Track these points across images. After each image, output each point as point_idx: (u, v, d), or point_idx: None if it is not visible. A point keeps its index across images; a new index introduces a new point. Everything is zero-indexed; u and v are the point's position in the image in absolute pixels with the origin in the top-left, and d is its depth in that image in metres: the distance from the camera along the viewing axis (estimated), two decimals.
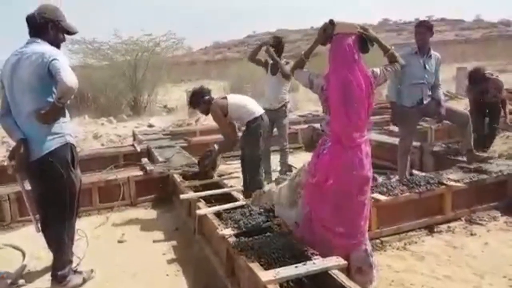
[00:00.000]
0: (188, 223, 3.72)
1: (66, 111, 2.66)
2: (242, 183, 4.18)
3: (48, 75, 2.47)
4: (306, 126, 7.39)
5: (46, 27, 2.60)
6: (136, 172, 4.60)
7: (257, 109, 4.09)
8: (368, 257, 2.59)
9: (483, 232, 3.42)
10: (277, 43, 4.77)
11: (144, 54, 13.29)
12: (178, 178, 4.23)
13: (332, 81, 2.43)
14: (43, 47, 2.54)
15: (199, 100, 4.05)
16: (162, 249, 3.40)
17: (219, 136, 5.11)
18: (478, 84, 4.99)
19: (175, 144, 6.03)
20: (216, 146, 4.36)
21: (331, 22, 2.49)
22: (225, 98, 4.09)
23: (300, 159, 5.69)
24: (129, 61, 13.15)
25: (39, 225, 2.77)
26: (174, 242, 3.51)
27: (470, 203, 3.71)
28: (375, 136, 6.05)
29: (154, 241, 3.56)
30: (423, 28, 4.10)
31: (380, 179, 4.79)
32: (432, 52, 4.17)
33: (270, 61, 4.80)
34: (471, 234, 3.40)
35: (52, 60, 2.44)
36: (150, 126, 10.10)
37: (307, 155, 6.50)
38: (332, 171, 2.47)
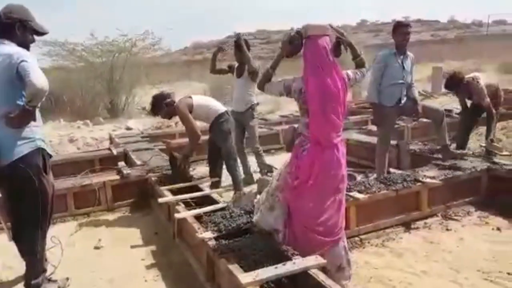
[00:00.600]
0: (167, 227, 3.67)
1: (38, 115, 2.57)
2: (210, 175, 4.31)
3: (17, 77, 2.38)
4: (287, 126, 7.40)
5: (13, 27, 2.50)
6: (112, 176, 4.51)
7: (221, 107, 4.26)
8: (347, 254, 2.65)
9: (458, 228, 3.51)
10: (238, 43, 4.71)
11: (121, 54, 13.07)
12: (156, 181, 4.16)
13: (310, 84, 2.45)
14: (11, 48, 2.45)
15: (161, 104, 4.09)
16: (141, 254, 3.34)
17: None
18: (458, 89, 4.84)
19: (154, 146, 5.94)
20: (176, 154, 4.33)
21: (299, 33, 2.50)
22: (190, 97, 4.17)
23: (281, 160, 5.67)
24: (105, 62, 12.90)
25: (10, 233, 2.68)
26: (153, 247, 3.45)
27: (446, 199, 3.80)
28: (355, 135, 6.14)
29: (132, 247, 3.49)
30: (408, 29, 4.18)
31: (359, 177, 4.87)
32: (407, 52, 4.25)
33: (235, 64, 4.83)
34: (447, 230, 3.48)
35: (20, 61, 2.35)
36: (128, 128, 9.94)
37: (289, 155, 6.51)
38: (312, 171, 2.50)
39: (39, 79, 2.31)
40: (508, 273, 2.72)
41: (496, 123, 5.08)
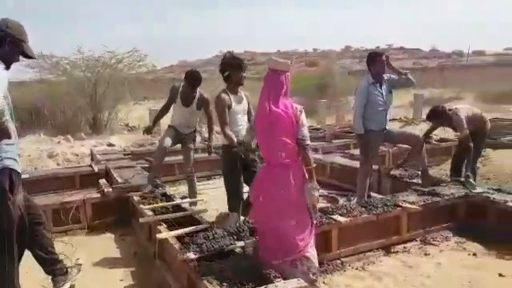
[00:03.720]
0: (148, 248, 3.62)
1: (13, 132, 2.43)
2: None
3: None
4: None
5: (4, 41, 2.47)
6: (93, 194, 4.44)
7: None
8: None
9: (436, 253, 3.57)
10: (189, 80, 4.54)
11: (106, 70, 13.02)
12: (137, 200, 4.11)
13: (257, 111, 2.79)
14: None
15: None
16: (120, 275, 3.27)
17: (181, 157, 5.05)
18: (440, 121, 4.85)
19: (136, 164, 5.89)
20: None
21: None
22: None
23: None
24: (89, 77, 12.82)
25: None
26: (132, 268, 3.39)
27: (424, 224, 3.87)
28: (338, 159, 6.24)
29: (111, 267, 3.42)
30: (383, 57, 4.32)
31: (341, 200, 4.94)
32: (384, 76, 4.39)
33: (180, 89, 4.64)
34: (425, 254, 3.54)
35: None
36: (110, 145, 9.83)
37: None
38: (262, 187, 2.80)
39: None
40: None
41: (480, 152, 5.15)
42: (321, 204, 4.82)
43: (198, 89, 4.64)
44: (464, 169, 4.59)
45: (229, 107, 3.74)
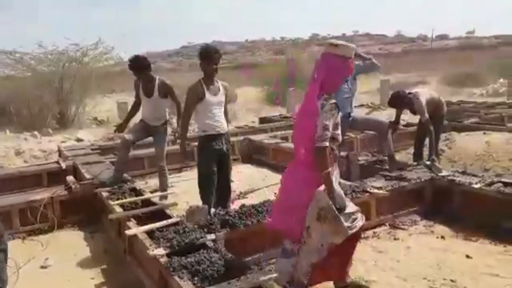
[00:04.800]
0: (118, 245, 3.56)
1: None
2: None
3: None
4: (242, 138, 7.46)
5: None
6: (60, 191, 4.31)
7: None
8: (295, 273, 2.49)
9: (405, 236, 3.66)
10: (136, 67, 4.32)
11: (72, 64, 12.62)
12: (106, 196, 4.01)
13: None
14: None
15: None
16: (90, 273, 3.21)
17: (152, 150, 4.97)
18: (401, 106, 4.93)
19: (105, 159, 5.74)
20: None
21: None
22: None
23: (237, 171, 5.70)
24: (55, 71, 12.40)
25: None
26: (103, 266, 3.33)
27: (393, 209, 3.96)
28: None
29: (81, 265, 3.35)
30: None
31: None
32: None
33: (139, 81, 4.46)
34: (395, 239, 3.63)
35: None
36: (78, 140, 9.57)
37: (245, 166, 6.56)
38: (283, 177, 2.62)
39: None
40: (451, 280, 2.86)
41: (439, 135, 5.36)
42: None
43: (158, 77, 4.47)
44: (427, 152, 4.74)
45: (202, 98, 3.70)
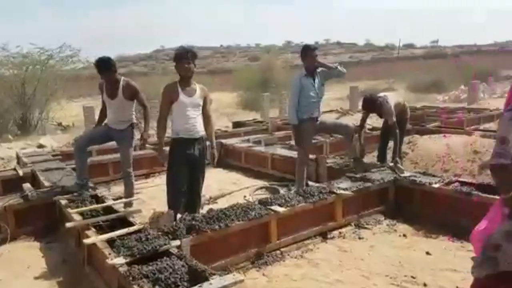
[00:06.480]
0: (77, 254, 3.40)
1: None
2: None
3: None
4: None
5: None
6: (15, 200, 4.08)
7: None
8: None
9: (369, 236, 3.73)
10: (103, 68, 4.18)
11: (35, 67, 12.14)
12: (65, 204, 3.83)
13: None
14: None
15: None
16: (46, 285, 3.03)
17: (117, 156, 4.81)
18: (373, 110, 5.06)
19: (66, 166, 5.52)
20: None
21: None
22: None
23: (209, 176, 5.59)
24: (17, 75, 11.88)
25: None
26: (60, 277, 3.15)
27: (358, 209, 4.03)
28: (279, 150, 6.31)
29: (37, 278, 3.16)
30: (316, 52, 4.46)
31: (282, 191, 4.99)
32: (316, 70, 4.49)
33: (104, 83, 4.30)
34: (359, 238, 3.68)
35: None
36: (40, 146, 9.16)
37: (216, 171, 6.46)
38: None
39: None
40: (412, 277, 2.93)
41: (403, 138, 5.51)
42: (262, 195, 4.88)
43: (123, 78, 4.33)
44: (391, 154, 4.87)
45: (175, 99, 3.62)
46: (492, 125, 8.80)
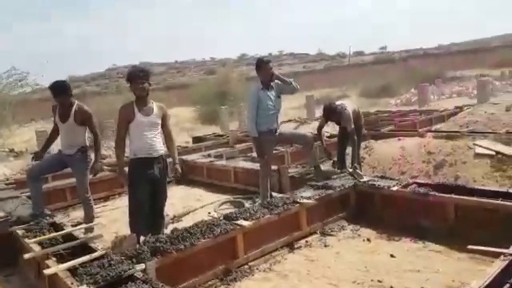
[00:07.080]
0: (37, 287, 3.24)
1: None
2: None
3: None
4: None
5: None
6: None
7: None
8: None
9: (335, 242, 3.81)
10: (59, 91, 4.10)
11: None
12: (22, 234, 3.64)
13: None
14: None
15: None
16: None
17: (73, 180, 4.64)
18: (333, 118, 5.18)
19: (21, 194, 5.25)
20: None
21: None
22: None
23: (172, 194, 5.51)
24: None
25: None
26: None
27: (322, 217, 4.11)
28: (241, 163, 6.33)
29: None
30: (271, 65, 4.52)
31: (247, 204, 5.01)
32: (272, 83, 4.57)
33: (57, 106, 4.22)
34: (325, 246, 3.75)
35: None
36: None
37: (179, 188, 6.38)
38: None
39: None
40: (379, 280, 3.01)
41: (360, 143, 5.71)
42: (227, 210, 4.87)
43: (77, 102, 4.23)
44: (349, 160, 5.06)
45: (132, 119, 3.58)
46: (443, 126, 9.21)
